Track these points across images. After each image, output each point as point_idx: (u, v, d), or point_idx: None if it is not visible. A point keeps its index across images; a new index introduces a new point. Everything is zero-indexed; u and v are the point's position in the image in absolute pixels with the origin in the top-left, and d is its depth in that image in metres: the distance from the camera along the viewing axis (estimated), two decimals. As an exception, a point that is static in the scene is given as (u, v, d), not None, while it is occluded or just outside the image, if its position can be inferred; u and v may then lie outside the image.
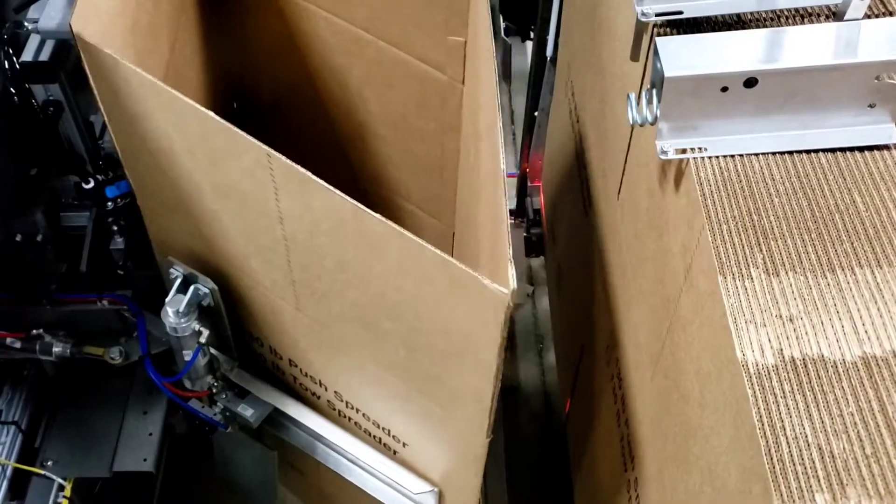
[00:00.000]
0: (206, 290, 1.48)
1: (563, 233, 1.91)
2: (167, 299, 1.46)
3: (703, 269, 0.87)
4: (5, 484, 1.70)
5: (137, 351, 1.66)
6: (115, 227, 1.71)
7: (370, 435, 1.50)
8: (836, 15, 0.98)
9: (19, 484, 1.72)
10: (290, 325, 1.40)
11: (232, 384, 1.66)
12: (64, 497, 1.72)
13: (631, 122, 0.97)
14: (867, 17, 0.96)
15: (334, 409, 1.54)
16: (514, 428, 2.46)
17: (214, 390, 1.66)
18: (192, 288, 1.47)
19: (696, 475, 0.90)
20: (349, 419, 1.53)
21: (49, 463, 1.75)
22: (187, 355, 1.53)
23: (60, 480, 1.72)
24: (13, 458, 1.73)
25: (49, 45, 1.46)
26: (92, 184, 1.60)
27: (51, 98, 1.50)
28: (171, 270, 1.47)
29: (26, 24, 1.41)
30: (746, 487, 0.74)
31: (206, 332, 1.52)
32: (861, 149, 0.92)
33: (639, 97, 0.96)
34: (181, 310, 1.46)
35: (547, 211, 2.26)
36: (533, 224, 2.38)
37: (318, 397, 1.55)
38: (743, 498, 0.75)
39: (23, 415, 1.80)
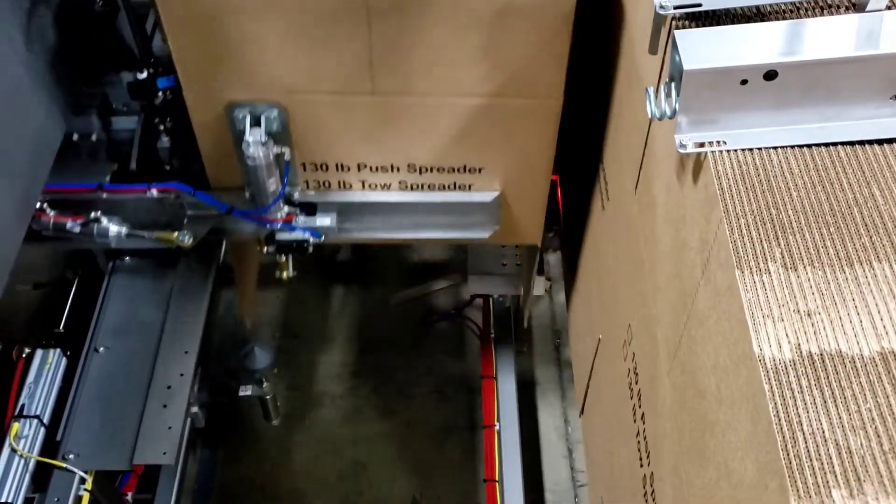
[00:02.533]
0: (275, 115, 1.60)
1: (580, 227, 1.91)
2: (246, 136, 1.58)
3: (721, 263, 0.87)
4: (28, 477, 1.72)
5: (200, 230, 1.80)
6: (162, 128, 1.85)
7: (444, 187, 1.72)
8: (857, 6, 0.96)
9: (41, 477, 1.75)
10: (363, 118, 1.56)
11: (301, 205, 1.82)
12: (85, 489, 1.74)
13: (650, 115, 0.96)
14: (889, 8, 0.94)
15: (407, 187, 1.73)
16: (530, 423, 2.46)
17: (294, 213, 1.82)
18: (262, 117, 1.59)
19: (713, 470, 0.90)
20: (423, 186, 1.72)
21: (70, 456, 1.77)
22: (271, 185, 1.68)
23: (82, 473, 1.74)
24: (35, 452, 1.75)
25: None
26: (146, 74, 1.71)
27: (106, -5, 1.64)
28: (236, 113, 1.59)
29: None
30: (763, 483, 0.74)
31: (286, 150, 1.66)
32: (880, 142, 0.91)
33: (657, 90, 0.95)
34: (262, 139, 1.59)
35: (564, 206, 2.25)
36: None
37: (389, 186, 1.74)
38: (759, 493, 0.75)
39: (45, 409, 1.83)
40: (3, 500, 1.67)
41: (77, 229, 1.78)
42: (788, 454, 0.69)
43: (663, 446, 1.14)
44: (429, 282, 2.80)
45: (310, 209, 1.81)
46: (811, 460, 0.68)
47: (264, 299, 2.77)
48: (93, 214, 1.78)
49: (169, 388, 1.88)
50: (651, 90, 0.96)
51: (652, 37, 1.06)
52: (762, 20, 0.98)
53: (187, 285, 2.10)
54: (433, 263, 2.86)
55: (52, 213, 1.78)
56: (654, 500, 1.19)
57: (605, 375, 1.61)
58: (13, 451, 1.73)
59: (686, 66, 0.89)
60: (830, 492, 0.67)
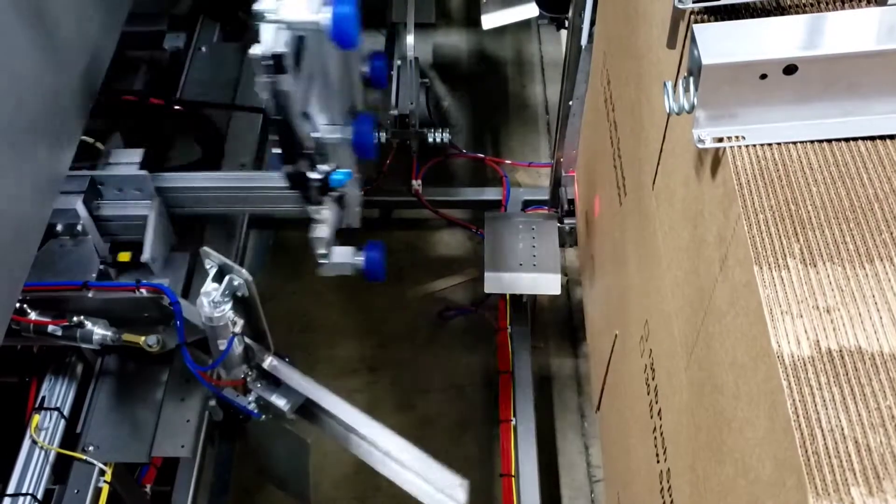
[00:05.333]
0: (241, 281, 1.50)
1: (597, 223, 1.90)
2: (202, 289, 1.49)
3: (739, 259, 0.86)
4: (48, 468, 1.74)
5: (175, 339, 1.69)
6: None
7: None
8: (878, 0, 0.95)
9: (62, 468, 1.76)
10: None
11: (266, 374, 1.69)
12: (104, 481, 1.75)
13: (668, 110, 0.96)
14: (911, 1, 0.93)
15: None
16: (547, 418, 2.46)
17: (248, 379, 1.69)
18: (226, 278, 1.50)
19: (730, 467, 0.90)
20: None
21: (90, 448, 1.78)
22: (222, 344, 1.55)
23: (101, 465, 1.75)
24: (56, 444, 1.77)
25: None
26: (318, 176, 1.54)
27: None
28: (207, 261, 1.50)
29: None
30: (781, 480, 0.73)
31: (240, 322, 1.54)
32: (902, 136, 0.90)
33: (675, 85, 0.94)
34: (216, 299, 1.48)
35: (581, 201, 2.25)
36: (567, 214, 2.36)
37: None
38: (777, 490, 0.74)
39: (65, 401, 1.84)
40: (24, 490, 1.69)
41: (59, 332, 1.68)
42: (807, 451, 0.69)
43: (680, 442, 1.14)
44: (446, 277, 2.80)
45: (275, 381, 1.67)
46: (830, 458, 0.68)
47: (281, 294, 2.78)
48: (76, 319, 1.67)
49: (187, 381, 1.90)
50: (669, 85, 0.95)
51: (670, 31, 1.05)
52: (782, 14, 0.97)
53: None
54: (450, 258, 2.86)
55: (32, 315, 1.67)
56: (670, 496, 1.19)
57: (621, 371, 1.60)
58: (34, 442, 1.75)
59: (705, 61, 0.88)
60: (849, 490, 0.66)
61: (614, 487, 1.71)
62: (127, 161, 1.99)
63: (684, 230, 1.11)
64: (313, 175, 1.45)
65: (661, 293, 1.25)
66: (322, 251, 1.65)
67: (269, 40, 1.32)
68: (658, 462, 1.25)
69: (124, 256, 1.88)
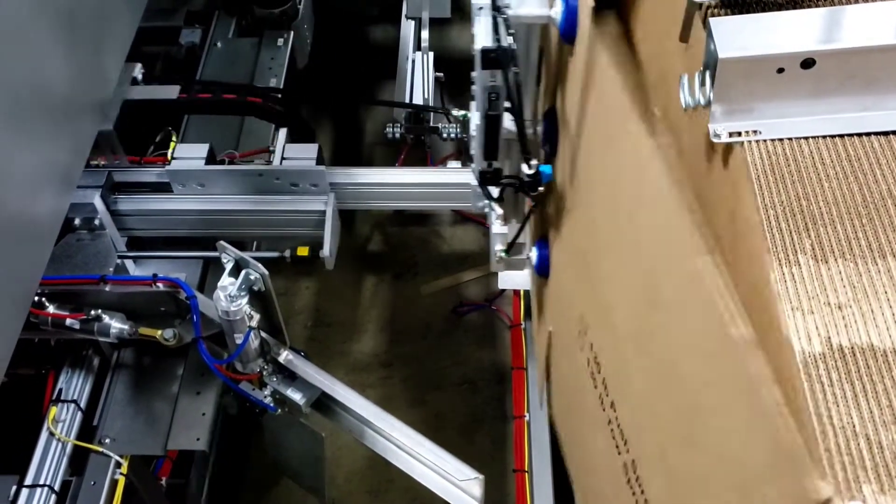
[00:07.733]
0: (257, 275, 1.51)
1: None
2: (219, 283, 1.50)
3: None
4: (65, 460, 1.76)
5: (191, 333, 1.71)
6: None
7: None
8: (898, -8, 0.94)
9: (78, 460, 1.78)
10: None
11: (282, 368, 1.70)
12: (121, 474, 1.77)
13: (683, 105, 0.95)
14: (930, -6, 0.92)
15: None
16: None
17: (264, 373, 1.70)
18: (242, 272, 1.51)
19: (705, 457, 0.88)
20: None
21: (107, 440, 1.80)
22: (238, 338, 1.56)
23: (117, 458, 1.77)
24: (73, 436, 1.79)
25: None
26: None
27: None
28: (223, 256, 1.51)
29: None
30: (791, 477, 0.73)
31: (256, 317, 1.56)
32: (917, 131, 0.89)
33: (691, 79, 0.94)
34: (232, 293, 1.49)
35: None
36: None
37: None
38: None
39: (82, 394, 1.86)
40: (42, 482, 1.71)
41: (77, 326, 1.72)
42: (819, 448, 0.68)
43: (644, 433, 1.12)
44: (460, 272, 2.80)
45: (290, 376, 1.71)
46: (841, 455, 0.67)
47: (296, 289, 2.79)
48: (93, 313, 1.71)
49: (202, 375, 1.91)
50: (685, 79, 0.95)
51: (684, 25, 1.04)
52: (799, 6, 0.96)
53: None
54: (464, 254, 2.86)
55: (50, 308, 1.71)
56: (640, 486, 1.17)
57: (563, 367, 1.57)
58: (51, 434, 1.77)
59: (721, 55, 0.88)
60: (861, 487, 0.66)
61: (581, 483, 1.67)
62: (194, 156, 1.97)
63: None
64: (527, 170, 1.36)
65: (593, 287, 1.22)
66: (500, 247, 1.63)
67: (486, 34, 1.26)
68: (620, 454, 1.23)
69: (303, 251, 1.89)
